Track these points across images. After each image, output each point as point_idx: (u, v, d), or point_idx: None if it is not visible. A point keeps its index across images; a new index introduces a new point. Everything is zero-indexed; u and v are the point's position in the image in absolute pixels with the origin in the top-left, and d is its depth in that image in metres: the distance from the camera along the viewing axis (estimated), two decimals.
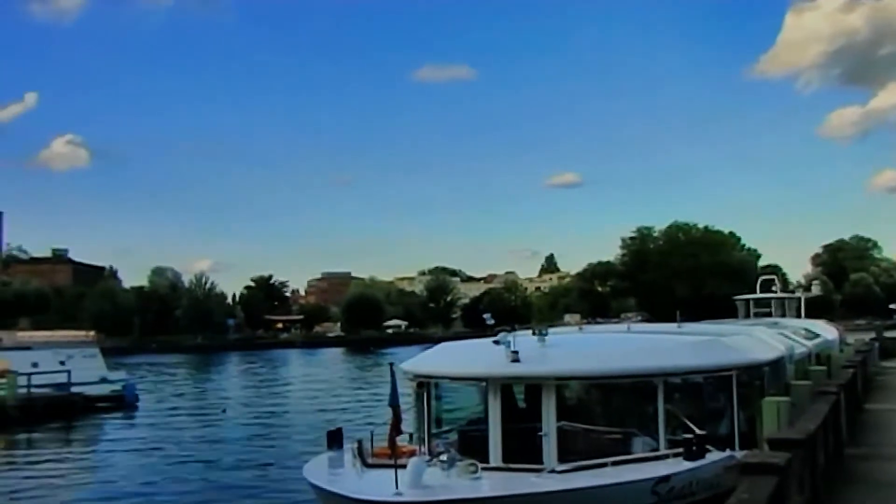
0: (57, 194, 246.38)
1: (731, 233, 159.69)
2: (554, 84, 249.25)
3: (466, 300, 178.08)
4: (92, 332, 58.32)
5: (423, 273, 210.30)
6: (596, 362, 15.52)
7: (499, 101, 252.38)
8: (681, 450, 14.26)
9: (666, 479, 13.62)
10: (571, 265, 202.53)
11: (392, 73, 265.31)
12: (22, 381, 43.51)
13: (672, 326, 21.08)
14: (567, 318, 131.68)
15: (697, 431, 14.36)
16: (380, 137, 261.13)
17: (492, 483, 13.52)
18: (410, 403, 16.77)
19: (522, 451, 14.43)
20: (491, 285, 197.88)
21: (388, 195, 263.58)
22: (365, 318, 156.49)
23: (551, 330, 17.23)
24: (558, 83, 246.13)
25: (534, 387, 15.23)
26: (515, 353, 14.66)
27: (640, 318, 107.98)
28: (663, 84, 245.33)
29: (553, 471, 13.86)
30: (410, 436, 16.44)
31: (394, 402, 14.53)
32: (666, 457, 14.49)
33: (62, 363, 47.81)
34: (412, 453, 14.69)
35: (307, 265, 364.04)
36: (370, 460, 14.99)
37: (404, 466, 13.01)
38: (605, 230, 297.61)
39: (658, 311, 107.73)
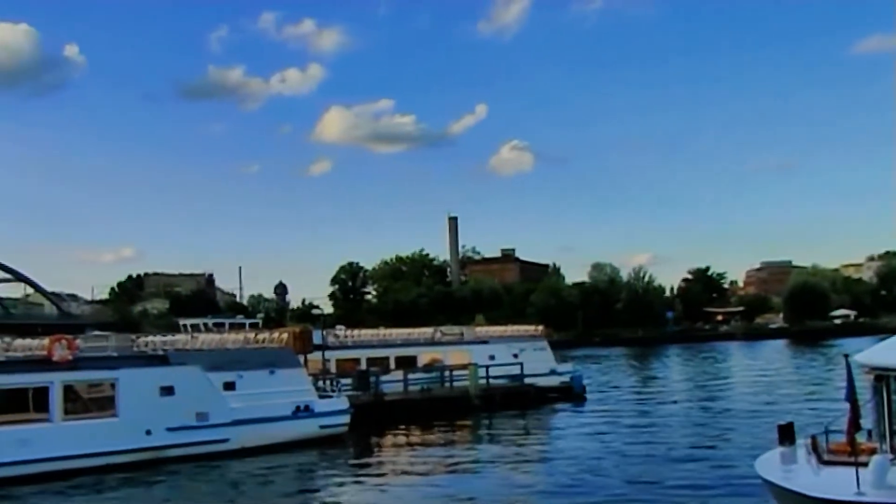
0: (504, 197, 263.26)
1: None
2: None
3: None
4: (541, 327, 61.38)
5: (872, 258, 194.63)
6: None
7: None
8: None
9: None
10: None
11: (829, 48, 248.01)
12: (481, 372, 47.45)
13: None
14: None
15: None
16: (821, 116, 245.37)
17: None
18: (867, 398, 15.82)
19: None
20: None
21: (832, 177, 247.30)
22: (809, 309, 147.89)
23: None
24: None
25: None
26: None
27: None
28: None
29: None
30: (869, 433, 15.50)
31: (851, 397, 13.81)
32: None
33: (515, 356, 51.19)
34: (872, 451, 13.90)
35: (745, 255, 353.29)
36: (826, 457, 14.45)
37: (865, 465, 12.42)
38: None
39: None
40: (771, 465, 14.75)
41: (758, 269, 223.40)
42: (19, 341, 33.29)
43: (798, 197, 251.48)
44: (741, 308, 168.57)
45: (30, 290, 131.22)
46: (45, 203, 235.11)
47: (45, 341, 31.69)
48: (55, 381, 30.03)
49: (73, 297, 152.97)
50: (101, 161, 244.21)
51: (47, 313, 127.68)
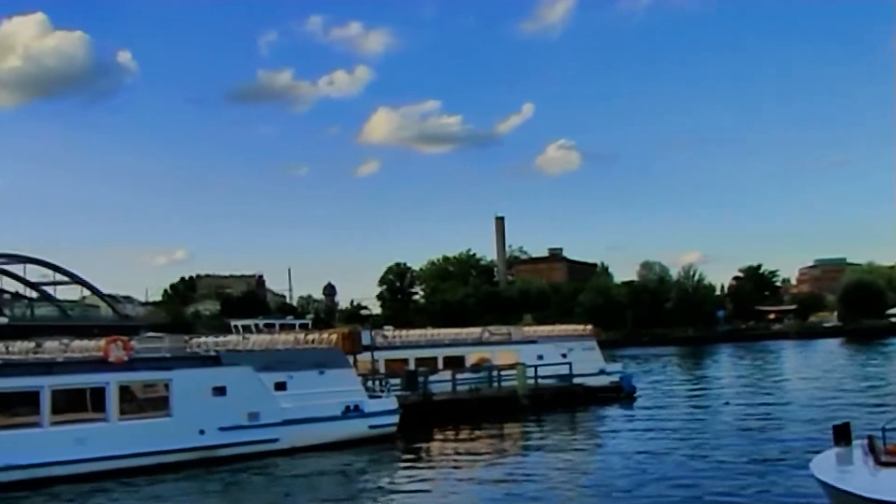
0: (551, 197, 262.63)
1: None
2: None
3: None
4: (589, 326, 60.91)
5: None
6: None
7: None
8: None
9: None
10: None
11: (885, 41, 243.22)
12: (530, 372, 47.30)
13: None
14: None
15: None
16: (876, 111, 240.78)
17: None
18: None
19: None
20: None
21: (887, 173, 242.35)
22: (864, 307, 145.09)
23: None
24: None
25: None
26: None
27: None
28: None
29: None
30: None
31: None
32: None
33: (564, 356, 50.77)
34: None
35: (798, 253, 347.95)
36: (883, 458, 14.19)
37: None
38: None
39: None
40: (826, 466, 14.51)
41: (811, 267, 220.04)
42: (77, 342, 33.88)
43: (853, 193, 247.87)
44: (794, 306, 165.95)
45: (87, 293, 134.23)
46: (99, 207, 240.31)
47: (102, 342, 32.24)
48: (111, 382, 30.53)
49: (129, 299, 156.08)
50: (153, 165, 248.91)
51: (103, 315, 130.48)
